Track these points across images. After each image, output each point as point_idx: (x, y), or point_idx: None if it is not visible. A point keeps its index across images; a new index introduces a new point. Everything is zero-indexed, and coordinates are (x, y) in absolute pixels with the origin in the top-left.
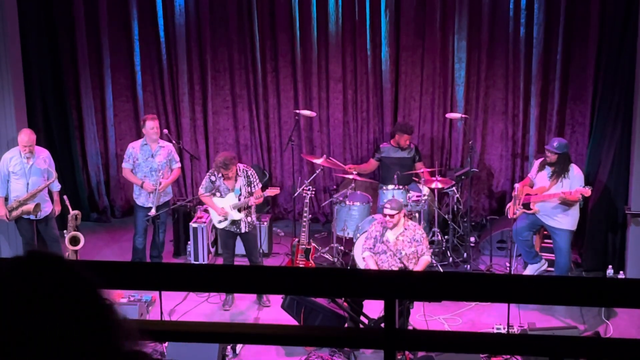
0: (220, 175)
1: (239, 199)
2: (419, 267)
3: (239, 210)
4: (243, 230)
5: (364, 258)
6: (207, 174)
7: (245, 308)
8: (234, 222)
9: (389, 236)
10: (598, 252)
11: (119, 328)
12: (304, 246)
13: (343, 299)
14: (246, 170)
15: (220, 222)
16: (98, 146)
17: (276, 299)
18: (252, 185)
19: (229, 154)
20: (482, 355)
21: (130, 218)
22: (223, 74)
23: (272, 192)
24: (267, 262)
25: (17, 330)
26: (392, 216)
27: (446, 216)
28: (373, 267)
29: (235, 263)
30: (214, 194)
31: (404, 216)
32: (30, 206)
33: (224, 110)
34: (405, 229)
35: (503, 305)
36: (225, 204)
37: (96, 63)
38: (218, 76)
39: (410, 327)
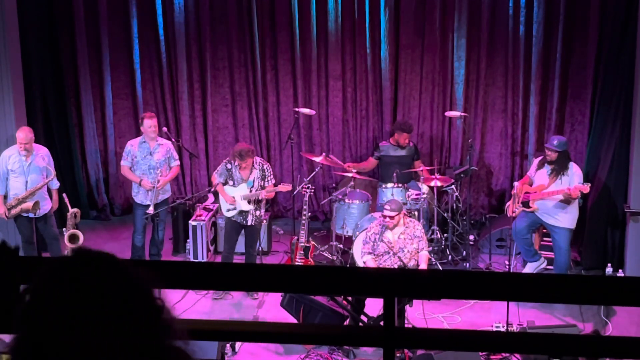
0: (236, 164)
1: (250, 191)
2: (422, 264)
3: (249, 202)
4: (249, 223)
5: (364, 262)
6: (224, 160)
7: (244, 306)
8: (242, 213)
9: (389, 235)
10: (597, 251)
11: (169, 328)
12: (303, 244)
13: (343, 297)
14: (262, 164)
15: (228, 210)
16: (97, 144)
17: (276, 297)
18: (266, 180)
19: (247, 145)
20: (481, 354)
21: (130, 216)
22: (222, 72)
23: (284, 187)
24: (266, 260)
25: (67, 331)
26: (392, 217)
27: (445, 214)
28: None
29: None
30: (226, 182)
31: (404, 216)
32: (29, 204)
33: (224, 108)
34: (406, 227)
35: (502, 304)
36: (237, 193)
37: (96, 61)
38: (217, 74)
39: (409, 326)
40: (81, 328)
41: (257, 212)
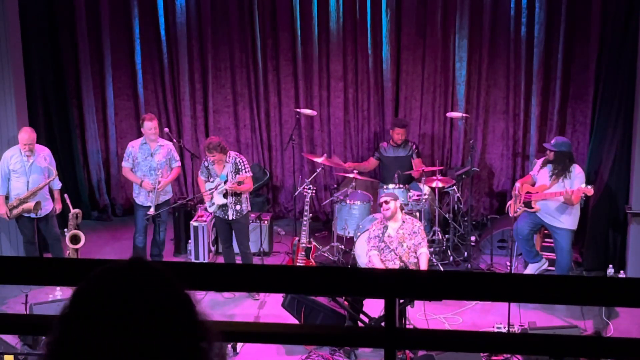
0: (210, 159)
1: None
2: (423, 264)
3: (224, 196)
4: (230, 218)
5: (370, 257)
6: (204, 158)
7: (245, 306)
8: (221, 207)
9: (390, 232)
10: (599, 251)
11: (205, 331)
12: (304, 245)
13: (343, 297)
14: (235, 158)
15: (210, 206)
16: (99, 144)
17: (277, 298)
18: (240, 173)
19: (214, 139)
20: (482, 355)
21: (131, 217)
22: (224, 72)
23: (242, 177)
24: (267, 261)
25: (107, 337)
26: (387, 202)
27: (447, 215)
28: (379, 265)
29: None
30: (208, 179)
31: (401, 210)
32: (30, 204)
33: (225, 109)
34: (404, 221)
35: (504, 305)
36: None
37: (97, 61)
38: (219, 75)
39: (410, 326)
40: (122, 336)
41: (237, 207)
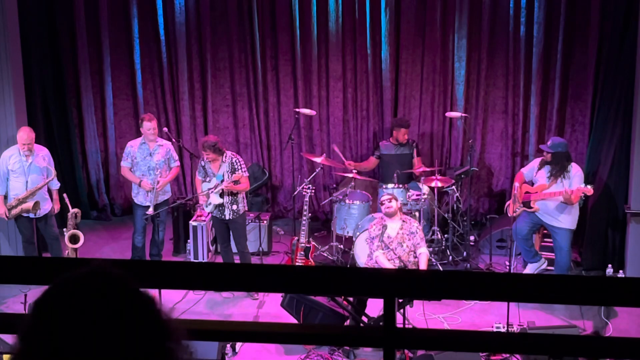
0: (206, 159)
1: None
2: (422, 264)
3: (221, 196)
4: (227, 217)
5: (376, 257)
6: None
7: (244, 306)
8: (218, 207)
9: (390, 232)
10: (598, 251)
11: (171, 332)
12: (303, 245)
13: (343, 297)
14: (232, 157)
15: (207, 206)
16: (98, 144)
17: (276, 298)
18: (237, 172)
19: (211, 138)
20: (481, 354)
21: (130, 216)
22: (223, 72)
23: (237, 177)
24: (266, 261)
25: (70, 346)
26: (389, 200)
27: (446, 215)
28: (386, 265)
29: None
30: (205, 179)
31: (400, 210)
32: (29, 204)
33: (224, 109)
34: (404, 221)
35: (503, 304)
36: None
37: (96, 61)
38: (218, 74)
39: (409, 326)
40: (85, 344)
41: (234, 206)
